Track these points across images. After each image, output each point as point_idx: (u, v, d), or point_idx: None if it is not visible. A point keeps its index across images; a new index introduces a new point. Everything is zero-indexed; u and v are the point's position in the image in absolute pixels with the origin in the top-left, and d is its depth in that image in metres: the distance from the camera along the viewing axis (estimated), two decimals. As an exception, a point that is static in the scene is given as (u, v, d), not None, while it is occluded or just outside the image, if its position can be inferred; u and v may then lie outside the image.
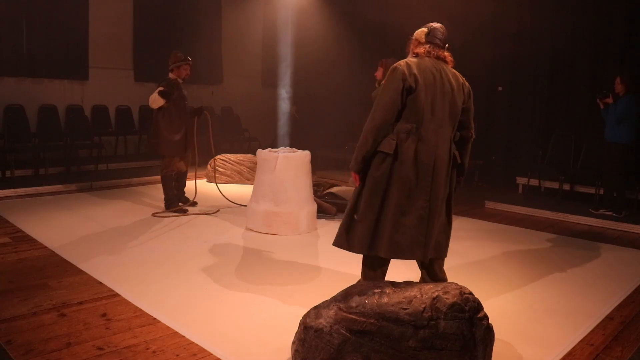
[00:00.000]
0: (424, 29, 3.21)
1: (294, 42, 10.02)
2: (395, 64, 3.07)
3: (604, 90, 6.53)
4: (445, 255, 3.30)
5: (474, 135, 3.32)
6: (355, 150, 3.12)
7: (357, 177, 3.16)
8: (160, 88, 5.76)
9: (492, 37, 7.98)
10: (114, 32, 9.25)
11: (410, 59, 3.12)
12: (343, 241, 3.23)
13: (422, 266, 3.37)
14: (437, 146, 3.05)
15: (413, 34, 3.26)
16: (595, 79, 7.41)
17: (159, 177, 6.66)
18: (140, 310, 3.39)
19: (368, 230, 3.13)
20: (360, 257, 4.66)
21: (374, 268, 3.26)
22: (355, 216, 3.17)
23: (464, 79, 3.23)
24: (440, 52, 3.16)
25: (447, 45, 3.23)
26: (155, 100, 5.76)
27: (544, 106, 8.03)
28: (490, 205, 7.12)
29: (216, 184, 6.91)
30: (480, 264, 4.62)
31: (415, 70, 3.01)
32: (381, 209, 3.09)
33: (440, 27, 3.21)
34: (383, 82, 3.16)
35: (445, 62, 3.17)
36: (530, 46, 8.01)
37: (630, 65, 7.01)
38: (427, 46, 3.15)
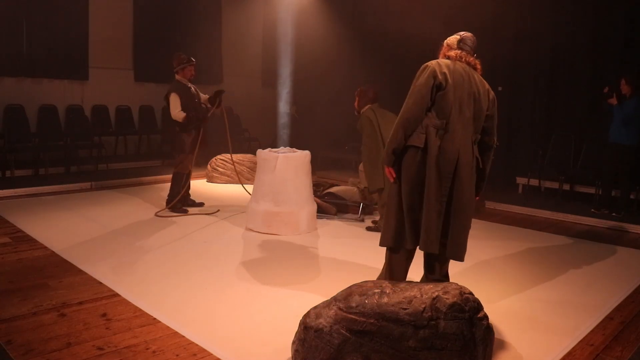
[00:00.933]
0: (457, 36, 3.34)
1: (294, 42, 10.02)
2: (426, 63, 3.18)
3: (607, 89, 6.46)
4: (462, 259, 3.25)
5: (497, 142, 3.40)
6: (387, 144, 3.21)
7: (391, 171, 3.23)
8: (183, 114, 5.78)
9: (492, 37, 7.97)
10: (114, 32, 9.25)
11: (442, 60, 3.24)
12: (393, 239, 3.28)
13: (428, 259, 3.36)
14: (461, 144, 3.13)
15: (444, 40, 3.39)
16: (595, 79, 7.40)
17: (159, 177, 6.71)
18: (140, 310, 3.39)
19: (416, 225, 3.19)
20: (361, 256, 4.66)
21: (402, 262, 3.34)
22: (403, 214, 3.21)
23: (489, 86, 3.32)
24: (470, 59, 3.28)
25: (475, 54, 3.33)
26: (178, 117, 5.83)
27: (544, 106, 8.02)
28: (490, 205, 7.12)
29: (242, 184, 6.89)
30: (480, 264, 4.62)
31: (445, 69, 3.13)
32: (421, 203, 3.16)
33: (471, 37, 3.35)
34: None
35: (475, 68, 3.28)
36: (530, 46, 8.01)
37: (631, 65, 7.01)
38: (459, 51, 3.27)
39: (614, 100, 6.35)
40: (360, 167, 7.04)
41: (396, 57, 8.91)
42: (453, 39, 3.35)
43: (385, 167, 3.26)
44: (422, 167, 3.13)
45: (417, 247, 3.25)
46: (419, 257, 3.39)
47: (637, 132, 6.27)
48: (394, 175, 3.23)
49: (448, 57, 3.26)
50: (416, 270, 3.54)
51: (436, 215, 3.10)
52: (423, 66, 3.18)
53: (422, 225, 3.13)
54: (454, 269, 4.04)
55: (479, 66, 3.31)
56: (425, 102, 3.10)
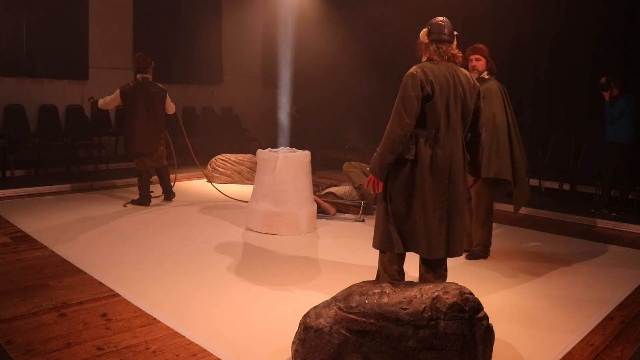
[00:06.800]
0: (425, 29, 3.22)
1: (294, 43, 10.02)
2: (411, 70, 3.09)
3: (604, 80, 6.43)
4: (460, 254, 3.34)
5: (483, 134, 3.36)
6: (377, 157, 3.11)
7: (379, 184, 3.18)
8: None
9: (492, 38, 7.97)
10: (114, 32, 9.25)
11: (425, 64, 3.13)
12: (380, 243, 3.30)
13: (426, 261, 3.37)
14: (452, 150, 3.12)
15: (418, 36, 3.26)
16: (595, 79, 7.40)
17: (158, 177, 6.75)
18: (140, 310, 3.39)
19: (401, 231, 3.20)
20: (361, 256, 4.66)
21: (393, 263, 3.35)
22: (389, 219, 3.21)
23: (474, 79, 3.27)
24: (450, 51, 3.15)
25: (455, 33, 3.21)
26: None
27: (544, 106, 8.02)
28: (490, 205, 7.10)
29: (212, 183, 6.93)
30: (480, 264, 4.62)
31: (431, 77, 3.05)
32: (408, 211, 3.16)
33: (441, 20, 3.21)
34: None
35: (456, 62, 3.18)
36: (530, 46, 8.00)
37: (631, 65, 7.01)
38: (433, 46, 3.16)
39: (607, 95, 6.36)
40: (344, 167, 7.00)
41: (397, 56, 8.90)
42: (423, 33, 3.21)
43: (374, 178, 3.17)
44: (411, 176, 3.11)
45: (412, 252, 3.27)
46: (417, 256, 3.39)
47: (631, 130, 6.28)
48: (381, 189, 3.20)
49: (430, 59, 3.16)
50: (416, 270, 3.54)
51: (438, 221, 3.12)
52: (408, 75, 3.07)
53: (420, 233, 3.13)
54: (453, 269, 4.04)
55: (459, 59, 3.19)
56: (417, 115, 3.04)
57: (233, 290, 3.80)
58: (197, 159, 6.76)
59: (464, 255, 4.54)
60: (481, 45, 4.60)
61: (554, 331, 3.31)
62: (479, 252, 4.72)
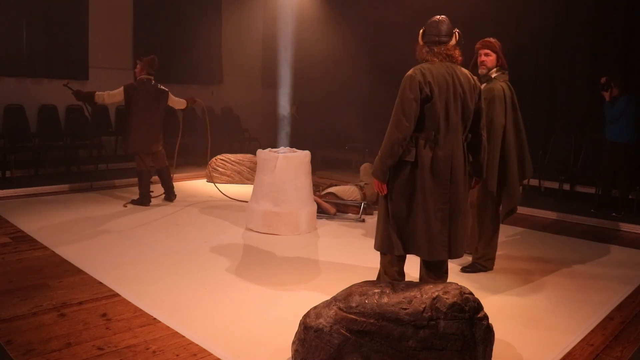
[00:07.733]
0: (422, 29, 3.23)
1: (294, 42, 10.02)
2: (410, 72, 3.08)
3: (604, 80, 6.44)
4: (462, 255, 3.35)
5: (484, 135, 3.34)
6: (378, 160, 3.13)
7: (383, 187, 3.19)
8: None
9: (492, 37, 7.97)
10: (114, 32, 9.25)
11: (423, 65, 3.13)
12: (381, 245, 3.30)
13: (427, 262, 3.37)
14: (452, 151, 3.11)
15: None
16: (595, 79, 7.40)
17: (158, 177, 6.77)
18: (140, 310, 3.39)
19: (401, 233, 3.20)
20: (361, 256, 4.67)
21: (393, 265, 3.36)
22: (389, 221, 3.21)
23: (475, 79, 3.25)
24: (445, 52, 3.15)
25: (456, 31, 3.20)
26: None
27: (544, 106, 8.02)
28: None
29: (214, 183, 6.92)
30: (480, 264, 4.62)
31: (429, 78, 3.04)
32: (409, 213, 3.15)
33: (437, 20, 3.20)
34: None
35: (455, 62, 3.17)
36: (530, 46, 8.00)
37: (631, 65, 7.01)
38: (426, 48, 3.18)
39: (607, 95, 6.36)
40: (362, 168, 7.06)
41: (397, 56, 8.90)
42: (420, 35, 3.23)
43: (377, 181, 3.19)
44: (411, 178, 3.11)
45: (413, 254, 3.27)
46: (418, 257, 3.39)
47: (631, 130, 6.29)
48: (386, 191, 3.21)
49: (426, 60, 3.16)
50: (416, 270, 3.54)
51: (440, 223, 3.11)
52: (407, 77, 3.08)
53: (421, 235, 3.12)
54: (453, 269, 4.04)
55: (459, 58, 3.18)
56: (416, 117, 3.04)
57: (233, 290, 3.80)
58: (198, 158, 6.75)
59: (464, 258, 4.51)
60: (492, 39, 4.19)
61: (554, 331, 3.31)
62: (479, 265, 4.36)
